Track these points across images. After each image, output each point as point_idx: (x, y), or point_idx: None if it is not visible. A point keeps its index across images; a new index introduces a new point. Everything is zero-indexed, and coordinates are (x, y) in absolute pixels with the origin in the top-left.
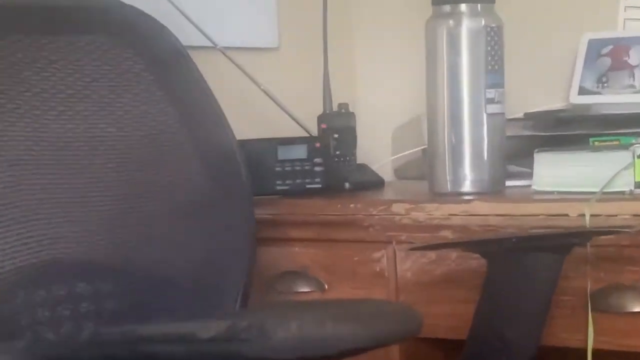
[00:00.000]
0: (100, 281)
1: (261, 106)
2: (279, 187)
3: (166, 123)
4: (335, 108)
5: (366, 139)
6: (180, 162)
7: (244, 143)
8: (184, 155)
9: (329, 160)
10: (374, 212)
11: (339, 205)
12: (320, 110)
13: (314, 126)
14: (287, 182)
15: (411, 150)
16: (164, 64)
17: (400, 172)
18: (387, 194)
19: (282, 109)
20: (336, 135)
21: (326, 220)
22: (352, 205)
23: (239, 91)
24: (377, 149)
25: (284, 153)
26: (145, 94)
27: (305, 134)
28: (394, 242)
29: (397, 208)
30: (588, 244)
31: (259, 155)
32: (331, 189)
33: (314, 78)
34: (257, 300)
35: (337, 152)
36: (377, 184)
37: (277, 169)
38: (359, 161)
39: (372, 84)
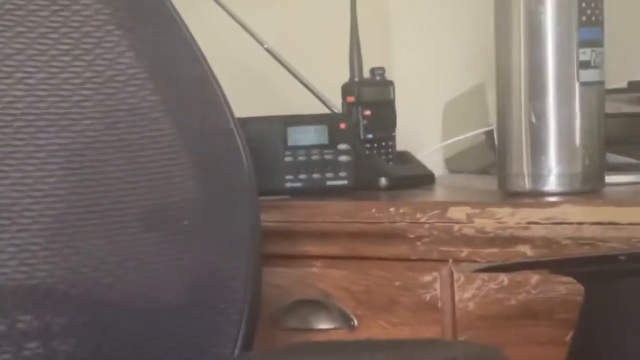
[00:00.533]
0: (52, 314)
1: (266, 73)
2: (289, 185)
3: (137, 95)
4: (366, 75)
5: (408, 118)
6: (159, 151)
7: (242, 122)
8: (164, 141)
9: (358, 147)
10: (423, 219)
11: (372, 210)
12: (345, 78)
13: (337, 99)
14: (301, 177)
15: (470, 134)
16: (136, 14)
17: (455, 163)
18: (439, 193)
19: (294, 74)
20: (368, 112)
21: (355, 230)
22: (391, 210)
23: (238, 53)
24: (423, 132)
25: (296, 137)
26: (110, 54)
27: (326, 111)
28: (450, 261)
29: (455, 213)
30: None
31: (261, 140)
32: (361, 186)
33: (337, 34)
34: (263, 341)
35: (370, 136)
36: (425, 179)
37: (287, 158)
38: (398, 148)
39: (413, 43)
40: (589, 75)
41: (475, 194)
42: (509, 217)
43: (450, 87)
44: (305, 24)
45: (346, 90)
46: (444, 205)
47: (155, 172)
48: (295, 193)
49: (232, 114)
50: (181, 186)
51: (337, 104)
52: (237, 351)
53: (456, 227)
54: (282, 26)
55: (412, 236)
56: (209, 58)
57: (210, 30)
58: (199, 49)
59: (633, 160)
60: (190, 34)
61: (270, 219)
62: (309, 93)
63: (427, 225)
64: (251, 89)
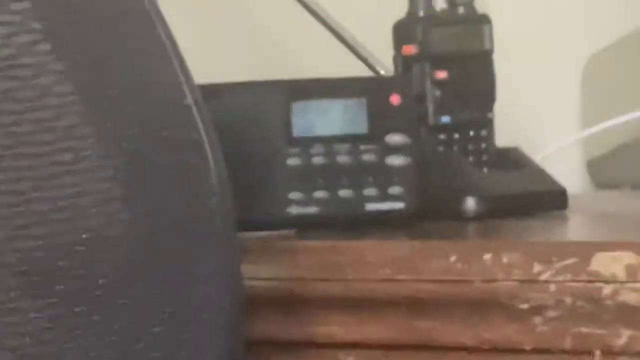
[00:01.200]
0: None
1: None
2: (295, 210)
3: (45, 68)
4: (440, 6)
5: (516, 88)
6: (50, 148)
7: (211, 94)
8: (60, 126)
9: (424, 141)
10: (545, 276)
11: (451, 257)
12: (401, 12)
13: (384, 52)
14: (317, 195)
15: (632, 116)
16: None
17: (605, 171)
18: (576, 227)
19: (306, 5)
20: (443, 75)
21: (418, 294)
22: (485, 258)
23: None
24: (545, 113)
25: (307, 120)
26: None
27: (364, 72)
28: (598, 354)
29: (606, 265)
30: None
31: (245, 127)
32: (431, 213)
33: None
34: None
35: (446, 119)
36: (550, 200)
37: (292, 161)
38: (500, 141)
39: None
40: None
41: None
42: None
43: (593, 32)
44: None
45: (402, 32)
46: (585, 250)
47: (43, 178)
48: (306, 225)
49: (189, 79)
50: (95, 213)
51: (385, 61)
52: None
53: (608, 289)
54: None
55: (525, 307)
56: None
57: None
58: None
59: None
60: None
61: (262, 274)
62: (330, 38)
63: (553, 287)
64: (231, 28)
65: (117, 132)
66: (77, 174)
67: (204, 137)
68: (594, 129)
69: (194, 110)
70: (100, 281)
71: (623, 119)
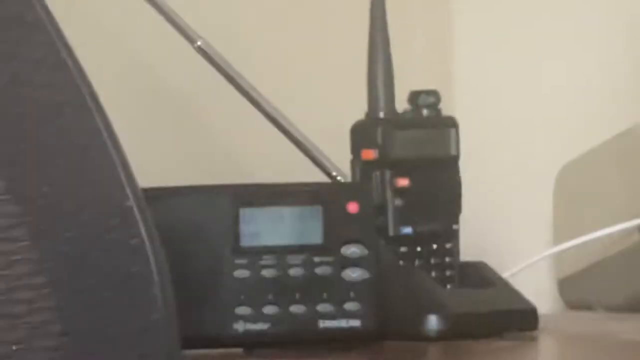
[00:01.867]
0: None
1: (204, 100)
2: (241, 327)
3: None
4: (402, 106)
5: (483, 195)
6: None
7: (153, 197)
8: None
9: (384, 253)
10: None
11: None
12: (359, 113)
13: (341, 156)
14: (267, 311)
15: (610, 229)
16: None
17: (579, 290)
18: (547, 348)
19: (255, 101)
20: (405, 182)
21: None
22: None
23: (154, 59)
24: (515, 225)
25: (257, 229)
26: None
27: (320, 178)
28: None
29: None
30: None
31: (190, 236)
32: (391, 333)
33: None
34: None
35: (407, 230)
36: (519, 321)
37: (239, 273)
38: (465, 256)
39: (483, 49)
40: None
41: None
42: None
43: (567, 141)
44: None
45: (360, 135)
46: None
47: None
48: (255, 343)
49: (131, 181)
50: (25, 324)
51: (342, 167)
52: None
53: None
54: (225, 17)
55: None
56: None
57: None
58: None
59: None
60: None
61: None
62: (284, 142)
63: None
64: (176, 129)
65: (52, 235)
66: (8, 280)
67: (147, 243)
68: (565, 245)
69: (136, 212)
70: None
71: (594, 235)
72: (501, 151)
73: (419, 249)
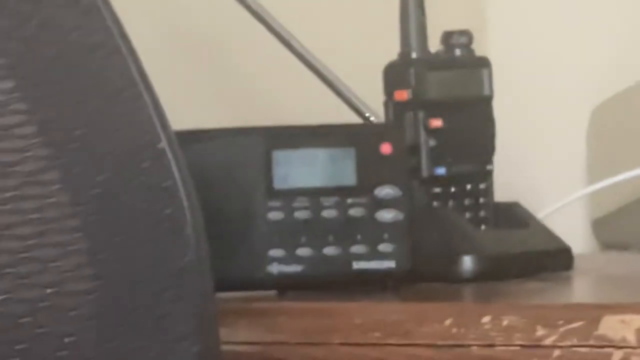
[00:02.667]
0: None
1: (236, 46)
2: (275, 269)
3: (6, 108)
4: (435, 47)
5: (517, 136)
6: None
7: (187, 140)
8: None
9: (417, 194)
10: (549, 340)
11: (446, 321)
12: (392, 54)
13: (374, 98)
14: (300, 253)
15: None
16: None
17: (613, 230)
18: (581, 289)
19: (291, 46)
20: (438, 123)
21: (411, 358)
22: (484, 321)
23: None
24: (548, 166)
25: (289, 171)
26: None
27: (352, 119)
28: None
29: (615, 329)
30: None
31: (222, 178)
32: (424, 273)
33: None
34: None
35: (441, 171)
36: (553, 260)
37: (272, 215)
38: (499, 196)
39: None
40: None
41: None
42: None
43: (602, 75)
44: None
45: (393, 76)
46: (593, 313)
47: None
48: (289, 285)
49: (164, 123)
50: (58, 267)
51: (375, 108)
52: None
53: (617, 355)
54: None
55: None
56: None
57: None
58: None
59: None
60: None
61: (241, 338)
62: (319, 84)
63: (557, 353)
64: (208, 72)
65: (85, 178)
66: (40, 224)
67: (180, 185)
68: (600, 185)
69: (169, 154)
70: (66, 340)
71: (630, 174)
72: (535, 91)
73: (452, 189)
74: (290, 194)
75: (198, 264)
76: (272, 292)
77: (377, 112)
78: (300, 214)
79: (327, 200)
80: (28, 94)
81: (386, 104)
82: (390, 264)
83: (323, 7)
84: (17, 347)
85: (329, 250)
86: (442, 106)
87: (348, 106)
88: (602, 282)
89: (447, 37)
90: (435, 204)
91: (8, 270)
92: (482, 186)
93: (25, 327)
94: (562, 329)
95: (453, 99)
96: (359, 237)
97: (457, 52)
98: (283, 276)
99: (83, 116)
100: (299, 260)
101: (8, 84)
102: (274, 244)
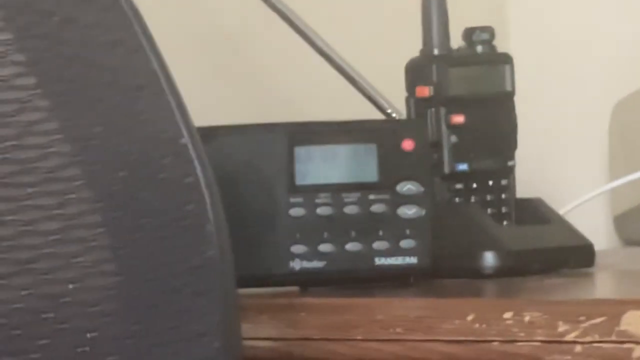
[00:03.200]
0: None
1: (258, 45)
2: (298, 265)
3: (28, 104)
4: (457, 44)
5: (539, 133)
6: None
7: (208, 136)
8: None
9: (439, 190)
10: (571, 336)
11: (468, 316)
12: (414, 51)
13: (397, 95)
14: (322, 249)
15: None
16: None
17: (635, 227)
18: (604, 284)
19: (314, 44)
20: (460, 119)
21: (434, 356)
22: (506, 316)
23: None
24: (569, 162)
25: (312, 167)
26: None
27: (375, 115)
28: None
29: (637, 324)
30: None
31: (244, 174)
32: (446, 269)
33: None
34: None
35: (463, 167)
36: (576, 256)
37: (294, 211)
38: (521, 192)
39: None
40: None
41: None
42: None
43: (623, 70)
44: None
45: (415, 72)
46: (615, 308)
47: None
48: (311, 281)
49: (186, 119)
50: (80, 263)
51: (397, 104)
52: None
53: (639, 351)
54: None
55: None
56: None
57: None
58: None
59: None
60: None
61: (263, 334)
62: (341, 81)
63: (579, 349)
64: (230, 68)
65: (106, 174)
66: (61, 220)
67: (201, 181)
68: (621, 181)
69: (191, 150)
70: (88, 335)
71: None
72: (557, 87)
73: (474, 185)
74: (312, 190)
75: (220, 260)
76: (294, 288)
77: (399, 108)
78: (322, 210)
79: (349, 197)
80: (50, 90)
81: (408, 101)
82: (412, 260)
83: (345, 4)
84: (39, 342)
85: (351, 247)
86: (463, 102)
87: (370, 102)
88: (624, 278)
89: (469, 33)
90: (457, 200)
91: (30, 265)
92: (503, 182)
93: (48, 323)
94: (583, 325)
95: (475, 95)
96: (381, 233)
97: (479, 48)
98: (305, 272)
99: (104, 113)
100: (321, 256)
101: (30, 80)
102: (296, 240)
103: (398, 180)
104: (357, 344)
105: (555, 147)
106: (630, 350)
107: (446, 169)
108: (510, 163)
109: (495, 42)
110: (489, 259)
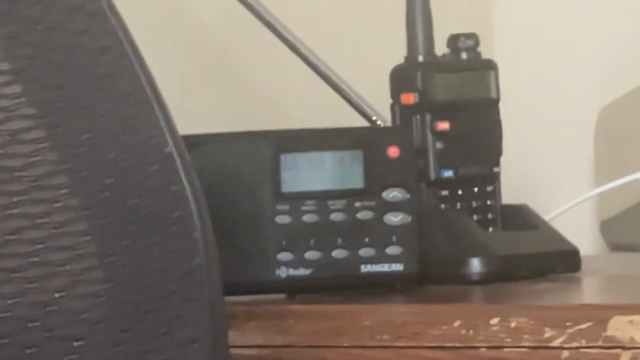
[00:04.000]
0: None
1: (243, 52)
2: (284, 273)
3: (14, 112)
4: (441, 50)
5: (523, 139)
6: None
7: (194, 144)
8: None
9: (424, 197)
10: (557, 342)
11: (455, 322)
12: (399, 57)
13: (381, 102)
14: (308, 257)
15: None
16: None
17: (621, 232)
18: (590, 290)
19: (298, 51)
20: (445, 126)
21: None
22: (492, 322)
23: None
24: (555, 168)
25: (298, 175)
26: None
27: (360, 123)
28: None
29: (623, 329)
30: None
31: (230, 181)
32: (432, 276)
33: None
34: None
35: (448, 173)
36: (562, 262)
37: (280, 218)
38: (507, 198)
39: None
40: None
41: None
42: None
43: (608, 76)
44: None
45: (400, 79)
46: (601, 313)
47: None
48: (297, 288)
49: (171, 127)
50: (67, 271)
51: (382, 111)
52: None
53: (626, 356)
54: None
55: None
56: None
57: None
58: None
59: None
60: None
61: (250, 341)
62: (326, 88)
63: (566, 354)
64: (215, 76)
65: (93, 182)
66: (48, 228)
67: (187, 188)
68: (607, 186)
69: (176, 158)
70: (75, 344)
71: (638, 175)
72: (542, 93)
73: (460, 192)
74: (298, 198)
75: (207, 267)
76: (281, 296)
77: (384, 115)
78: (308, 218)
79: (335, 204)
80: (36, 98)
81: (393, 107)
82: (398, 266)
83: (329, 11)
84: (27, 351)
85: (338, 254)
86: (448, 109)
87: (355, 110)
88: (610, 283)
89: (454, 40)
90: (442, 206)
91: (17, 274)
92: (489, 188)
93: (35, 331)
94: (570, 330)
95: (460, 101)
96: (367, 240)
97: (464, 55)
98: (292, 280)
99: (90, 120)
100: (307, 263)
101: (16, 89)
102: (283, 247)
103: (384, 187)
104: (345, 351)
105: (540, 153)
106: (617, 355)
107: (432, 176)
108: (495, 169)
109: (480, 49)
110: (476, 265)
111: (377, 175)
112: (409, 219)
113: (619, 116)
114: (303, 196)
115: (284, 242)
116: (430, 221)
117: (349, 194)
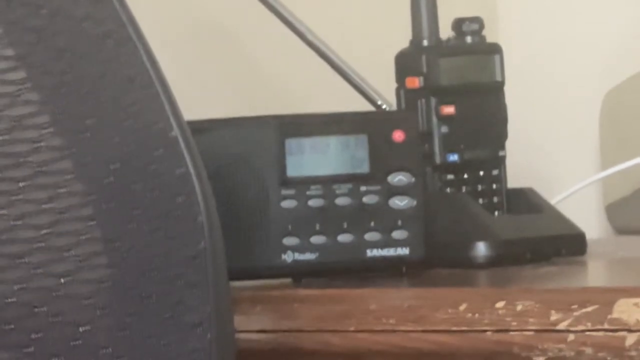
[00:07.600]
0: None
1: (249, 37)
2: (289, 257)
3: (18, 98)
4: (446, 34)
5: (529, 123)
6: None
7: (199, 129)
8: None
9: (430, 181)
10: (563, 325)
11: (461, 306)
12: (404, 42)
13: (387, 86)
14: (314, 241)
15: None
16: None
17: (626, 215)
18: (596, 272)
19: (299, 33)
20: (450, 110)
21: (424, 346)
22: (498, 306)
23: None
24: (561, 152)
25: (303, 159)
26: None
27: (365, 107)
28: None
29: (630, 312)
30: None
31: (235, 166)
32: (438, 259)
33: None
34: None
35: (454, 157)
36: (568, 245)
37: (286, 203)
38: (513, 182)
39: None
40: None
41: None
42: None
43: (614, 60)
44: None
45: (405, 63)
46: (607, 296)
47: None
48: (303, 272)
49: (176, 111)
50: (72, 256)
51: (387, 95)
52: None
53: (632, 338)
54: None
55: (541, 359)
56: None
57: None
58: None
59: None
60: None
61: (256, 326)
62: (331, 73)
63: (572, 337)
64: (220, 61)
65: (97, 167)
66: (53, 213)
67: (192, 173)
68: (613, 170)
69: (181, 142)
70: (81, 329)
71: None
72: (546, 76)
73: (465, 176)
74: (304, 182)
75: (211, 251)
76: (287, 280)
77: (389, 99)
78: (314, 202)
79: (341, 188)
80: (39, 84)
81: (398, 92)
82: (404, 250)
83: None
84: (33, 336)
85: (343, 238)
86: (453, 93)
87: (360, 94)
88: (616, 266)
89: (458, 24)
90: (448, 190)
91: (23, 259)
92: (495, 172)
93: (40, 317)
94: (576, 313)
95: (465, 85)
96: (372, 224)
97: (468, 39)
98: (298, 264)
99: (94, 105)
100: (313, 248)
101: (20, 74)
102: (288, 232)
103: (389, 171)
104: (351, 335)
105: (546, 137)
106: (623, 338)
107: (437, 160)
108: (501, 153)
109: (485, 33)
110: (481, 248)
111: (383, 159)
112: (414, 203)
113: (624, 100)
114: (308, 181)
115: (289, 227)
116: (435, 205)
117: (354, 179)
